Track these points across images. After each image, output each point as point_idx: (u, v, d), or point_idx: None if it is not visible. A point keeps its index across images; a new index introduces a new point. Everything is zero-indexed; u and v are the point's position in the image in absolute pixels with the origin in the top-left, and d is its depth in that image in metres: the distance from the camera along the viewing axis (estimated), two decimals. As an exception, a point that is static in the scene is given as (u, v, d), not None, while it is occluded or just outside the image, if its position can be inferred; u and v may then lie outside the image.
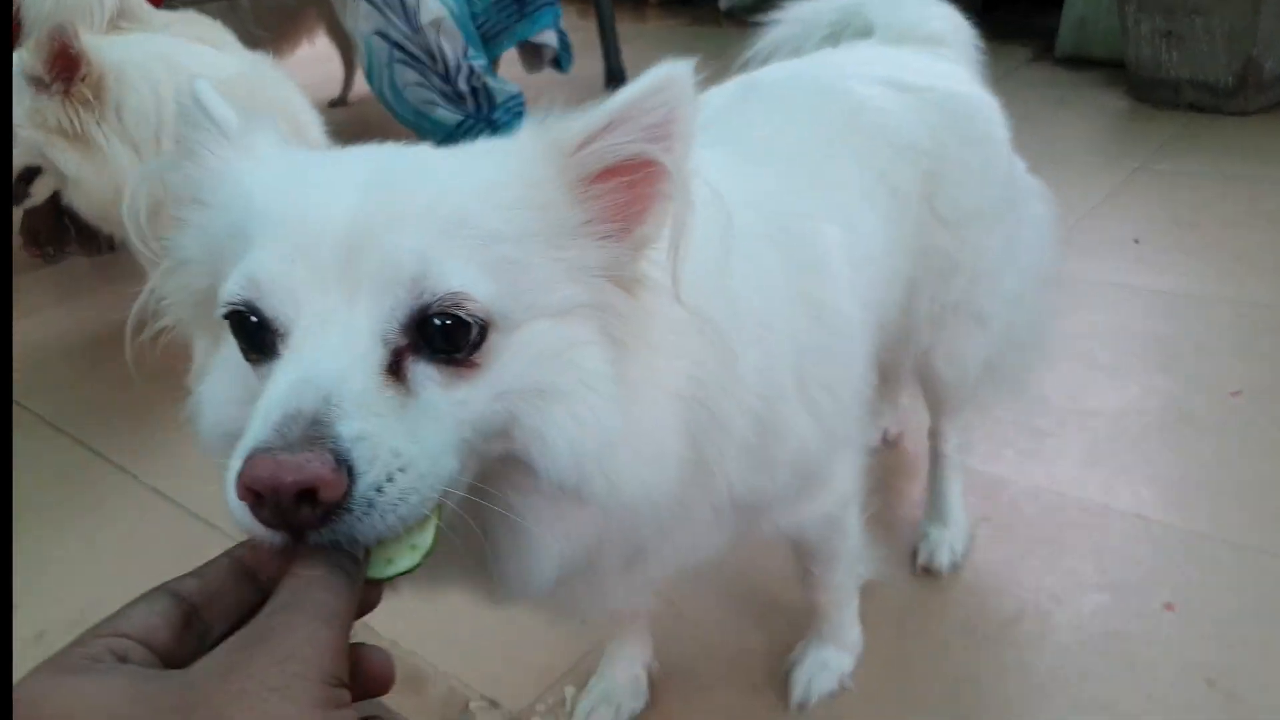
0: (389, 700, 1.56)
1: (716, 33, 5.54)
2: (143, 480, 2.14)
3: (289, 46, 4.48)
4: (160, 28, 2.66)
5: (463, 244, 0.68)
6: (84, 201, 2.15)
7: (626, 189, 0.75)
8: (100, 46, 2.10)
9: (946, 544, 1.67)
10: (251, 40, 3.40)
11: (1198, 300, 2.45)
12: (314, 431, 0.58)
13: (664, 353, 0.80)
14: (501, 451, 0.72)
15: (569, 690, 1.46)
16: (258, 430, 0.59)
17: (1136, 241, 2.79)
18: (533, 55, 4.02)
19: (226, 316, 0.69)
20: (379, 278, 0.65)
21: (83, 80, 2.01)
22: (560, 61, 4.05)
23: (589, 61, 4.43)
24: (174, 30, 2.65)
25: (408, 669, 1.53)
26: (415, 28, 3.46)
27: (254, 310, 0.67)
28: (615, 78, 4.44)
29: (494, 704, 1.46)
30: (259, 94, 2.29)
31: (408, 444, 0.62)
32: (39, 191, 2.20)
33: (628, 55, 4.58)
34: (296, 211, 0.67)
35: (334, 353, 0.63)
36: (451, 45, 3.52)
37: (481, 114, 3.57)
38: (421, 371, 0.66)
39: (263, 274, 0.66)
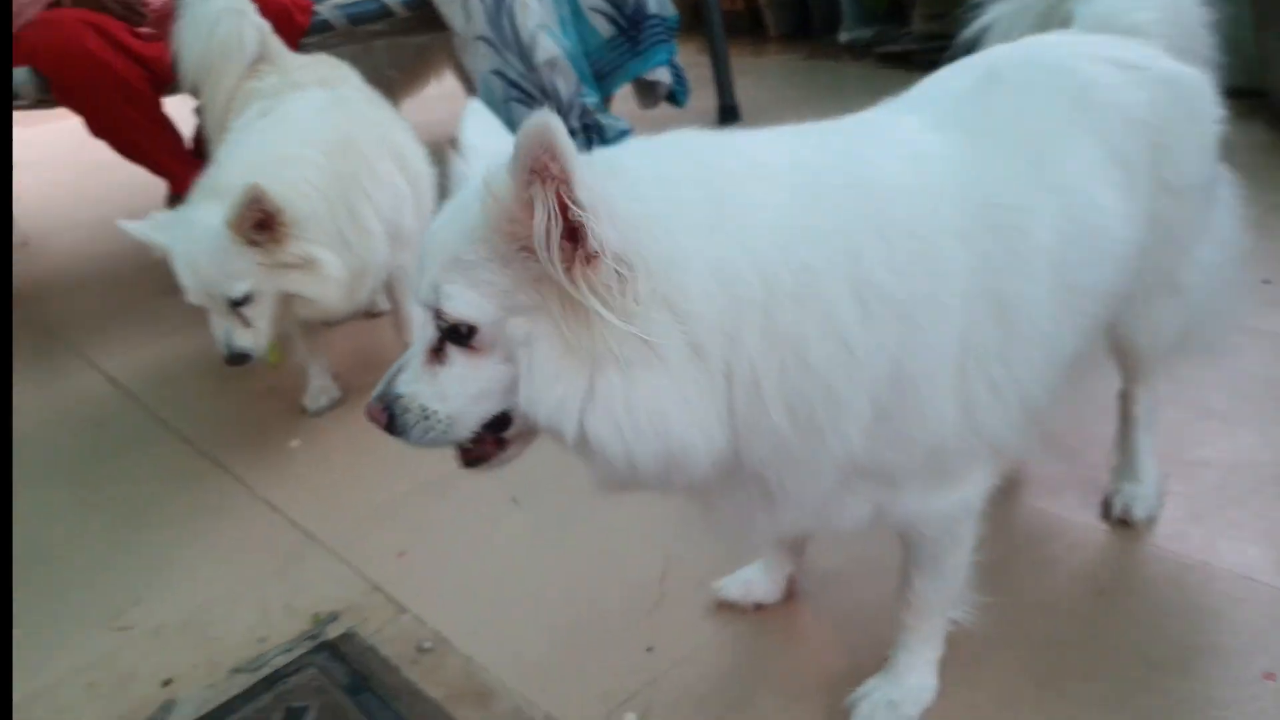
0: (457, 712, 1.61)
1: (834, 66, 5.51)
2: (256, 491, 2.30)
3: (418, 84, 4.73)
4: (295, 69, 2.88)
5: (456, 273, 1.01)
6: (324, 310, 2.37)
7: (544, 216, 0.94)
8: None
9: (1141, 498, 1.75)
10: (383, 80, 3.62)
11: (1330, 347, 2.28)
12: (386, 390, 1.10)
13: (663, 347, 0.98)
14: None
15: (629, 717, 1.48)
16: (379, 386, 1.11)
17: (1267, 283, 2.63)
18: (647, 91, 4.10)
19: None
20: (426, 302, 1.05)
21: (282, 225, 2.18)
22: (676, 96, 4.10)
23: (705, 96, 4.48)
24: (303, 73, 2.86)
25: (478, 684, 1.59)
26: (531, 67, 3.60)
27: None
28: (728, 112, 4.48)
29: (556, 724, 1.50)
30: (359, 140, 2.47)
31: (435, 400, 1.07)
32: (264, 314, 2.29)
33: (747, 89, 4.62)
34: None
35: (417, 346, 1.09)
36: (565, 84, 3.64)
37: (591, 149, 3.67)
38: (451, 350, 1.05)
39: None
